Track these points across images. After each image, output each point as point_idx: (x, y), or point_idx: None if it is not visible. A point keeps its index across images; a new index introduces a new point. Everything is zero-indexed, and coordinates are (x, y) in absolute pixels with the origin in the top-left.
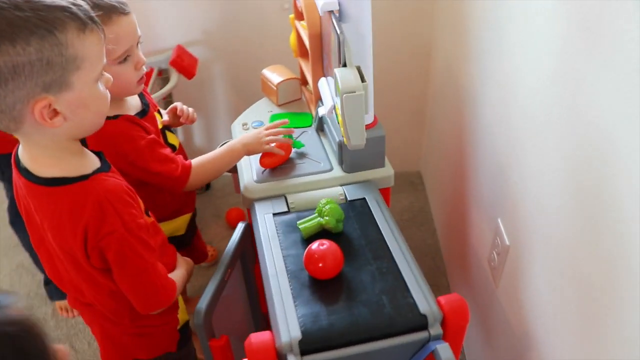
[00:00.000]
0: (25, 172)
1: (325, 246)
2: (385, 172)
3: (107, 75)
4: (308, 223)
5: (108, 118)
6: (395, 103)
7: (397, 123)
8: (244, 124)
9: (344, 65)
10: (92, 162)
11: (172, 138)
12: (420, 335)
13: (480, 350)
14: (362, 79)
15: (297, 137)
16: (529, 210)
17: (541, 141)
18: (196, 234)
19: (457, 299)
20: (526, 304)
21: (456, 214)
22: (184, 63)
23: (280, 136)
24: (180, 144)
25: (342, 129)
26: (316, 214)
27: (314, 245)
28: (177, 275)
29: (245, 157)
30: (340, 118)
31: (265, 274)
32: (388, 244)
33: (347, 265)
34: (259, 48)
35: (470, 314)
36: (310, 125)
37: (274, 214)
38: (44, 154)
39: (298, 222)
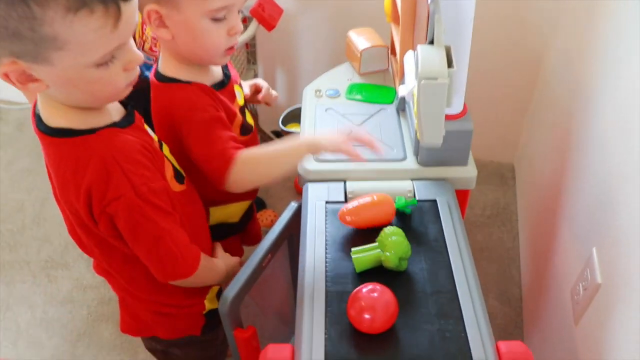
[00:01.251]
0: (38, 120)
1: (376, 294)
2: (467, 172)
3: (133, 55)
4: (364, 255)
5: (179, 82)
6: (498, 89)
7: (496, 109)
8: (318, 91)
9: (431, 42)
10: (109, 116)
11: (249, 117)
12: None
13: None
14: (450, 64)
15: (374, 114)
16: (634, 248)
17: None
18: (252, 218)
19: (522, 350)
20: (607, 354)
21: (545, 225)
22: (265, 13)
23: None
24: (255, 126)
25: (416, 120)
26: (376, 244)
27: (364, 290)
28: (214, 265)
29: (311, 125)
30: (415, 107)
31: (301, 275)
32: (452, 266)
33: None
34: (350, 5)
35: (538, 343)
36: (391, 103)
37: (327, 202)
38: (51, 103)
39: (352, 250)
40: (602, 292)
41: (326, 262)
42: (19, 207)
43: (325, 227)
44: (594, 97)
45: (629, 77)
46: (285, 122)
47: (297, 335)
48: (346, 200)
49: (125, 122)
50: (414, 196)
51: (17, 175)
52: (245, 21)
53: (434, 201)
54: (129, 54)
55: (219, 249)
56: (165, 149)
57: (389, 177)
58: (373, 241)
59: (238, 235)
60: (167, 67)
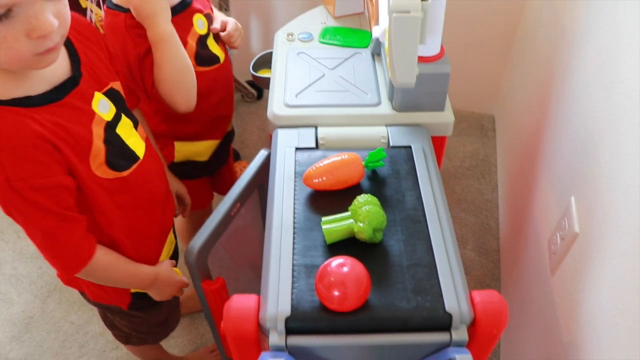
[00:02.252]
0: None
1: (347, 268)
2: (443, 118)
3: (37, 20)
4: (335, 225)
5: (120, 10)
6: (478, 35)
7: (476, 58)
8: (290, 35)
9: None
10: (29, 85)
11: (215, 48)
12: (439, 336)
13: (515, 339)
14: None
15: (348, 58)
16: (613, 197)
17: None
18: (226, 164)
19: (496, 299)
20: (582, 304)
21: (524, 176)
22: None
23: None
24: (227, 57)
25: (387, 59)
26: (349, 213)
27: (333, 264)
28: (137, 271)
29: (282, 69)
30: (387, 44)
31: (268, 225)
32: (426, 213)
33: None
34: None
35: (515, 294)
36: (366, 47)
37: (297, 149)
38: None
39: (322, 220)
40: (580, 241)
41: (294, 204)
42: None
43: (294, 174)
44: (575, 46)
45: (610, 23)
46: (256, 67)
47: (263, 285)
48: (317, 147)
49: (45, 99)
50: (388, 142)
51: None
52: None
53: (409, 147)
54: (33, 19)
55: (167, 263)
56: (123, 124)
57: (362, 122)
58: (347, 199)
59: (208, 178)
60: None
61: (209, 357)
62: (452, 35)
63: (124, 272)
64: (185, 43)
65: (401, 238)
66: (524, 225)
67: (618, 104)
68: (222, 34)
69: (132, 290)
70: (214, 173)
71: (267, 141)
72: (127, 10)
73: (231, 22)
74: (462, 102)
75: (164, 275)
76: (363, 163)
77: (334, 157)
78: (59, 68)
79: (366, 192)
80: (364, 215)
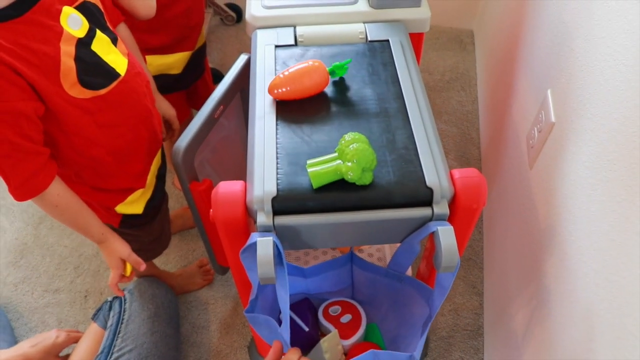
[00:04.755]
0: None
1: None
2: (420, 14)
3: None
4: (321, 167)
5: None
6: None
7: None
8: None
9: None
10: None
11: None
12: (421, 211)
13: (497, 234)
14: None
15: None
16: (586, 85)
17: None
18: (202, 77)
19: (474, 175)
20: (559, 194)
21: (503, 82)
22: None
23: None
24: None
25: None
26: (335, 154)
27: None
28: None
29: None
30: None
31: (252, 115)
32: (405, 99)
33: (350, 115)
34: None
35: (498, 194)
36: None
37: (277, 46)
38: None
39: (308, 163)
40: (556, 130)
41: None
42: None
43: (275, 68)
44: None
45: None
46: None
47: (249, 170)
48: (296, 44)
49: (2, 15)
50: (366, 38)
51: None
52: None
53: (387, 41)
54: None
55: (120, 244)
56: (99, 40)
57: (339, 20)
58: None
59: (184, 93)
60: None
61: (198, 271)
62: None
63: (74, 219)
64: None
65: (383, 126)
66: (504, 129)
67: None
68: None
69: (119, 210)
70: (189, 87)
71: None
72: None
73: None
74: (441, 18)
75: (109, 249)
76: (328, 70)
77: (299, 65)
78: None
79: (336, 96)
80: (352, 154)
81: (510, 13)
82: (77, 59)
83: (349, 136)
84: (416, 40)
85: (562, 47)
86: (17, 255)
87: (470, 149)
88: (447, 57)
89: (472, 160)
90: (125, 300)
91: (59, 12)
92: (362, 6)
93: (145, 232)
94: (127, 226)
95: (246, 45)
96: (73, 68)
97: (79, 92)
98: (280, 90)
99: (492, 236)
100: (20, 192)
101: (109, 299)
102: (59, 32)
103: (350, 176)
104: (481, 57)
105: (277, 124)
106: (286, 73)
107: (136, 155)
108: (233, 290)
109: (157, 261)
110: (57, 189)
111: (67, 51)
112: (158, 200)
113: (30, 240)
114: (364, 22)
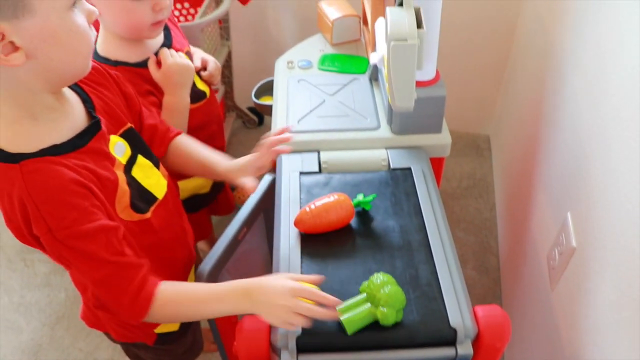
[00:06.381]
0: None
1: None
2: (441, 140)
3: (89, 6)
4: (354, 312)
5: (108, 63)
6: (472, 59)
7: (471, 80)
8: (290, 62)
9: (400, 4)
10: (55, 134)
11: (201, 84)
12: (445, 351)
13: (518, 354)
14: (419, 25)
15: (347, 84)
16: (607, 211)
17: (638, 129)
18: (223, 189)
19: (499, 314)
20: (583, 318)
21: (521, 194)
22: None
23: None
24: (212, 91)
25: (387, 84)
26: (364, 297)
27: None
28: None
29: (284, 96)
30: (386, 71)
31: (276, 248)
32: (428, 232)
33: (374, 249)
34: None
35: (517, 310)
36: (364, 72)
37: (302, 173)
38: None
39: (339, 308)
40: (577, 255)
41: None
42: None
43: (300, 198)
44: (564, 66)
45: (595, 41)
46: (257, 95)
47: None
48: (320, 171)
49: (70, 146)
50: (388, 165)
51: None
52: None
53: (409, 169)
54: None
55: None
56: (140, 166)
57: (362, 146)
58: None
59: (207, 208)
60: None
61: None
62: (447, 60)
63: (194, 304)
64: None
65: (406, 260)
66: (523, 243)
67: (607, 121)
68: (203, 73)
69: (157, 331)
70: (214, 201)
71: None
72: (116, 64)
73: (211, 61)
74: (458, 124)
75: (259, 286)
76: (353, 203)
77: (325, 199)
78: (78, 114)
79: (360, 228)
80: (384, 298)
81: (527, 119)
82: (128, 183)
83: (377, 278)
84: (437, 164)
85: (580, 171)
86: (32, 357)
87: (489, 258)
88: (464, 163)
89: (491, 270)
90: None
91: (108, 140)
92: (385, 132)
93: (179, 345)
94: (161, 343)
95: None
96: (127, 192)
97: (128, 215)
98: (306, 224)
99: (514, 358)
100: (131, 313)
101: None
102: (113, 159)
103: (387, 321)
104: (498, 164)
105: (302, 259)
106: (312, 207)
107: (174, 275)
108: None
109: None
110: (163, 291)
111: (121, 176)
112: None
113: (46, 341)
114: (386, 148)
